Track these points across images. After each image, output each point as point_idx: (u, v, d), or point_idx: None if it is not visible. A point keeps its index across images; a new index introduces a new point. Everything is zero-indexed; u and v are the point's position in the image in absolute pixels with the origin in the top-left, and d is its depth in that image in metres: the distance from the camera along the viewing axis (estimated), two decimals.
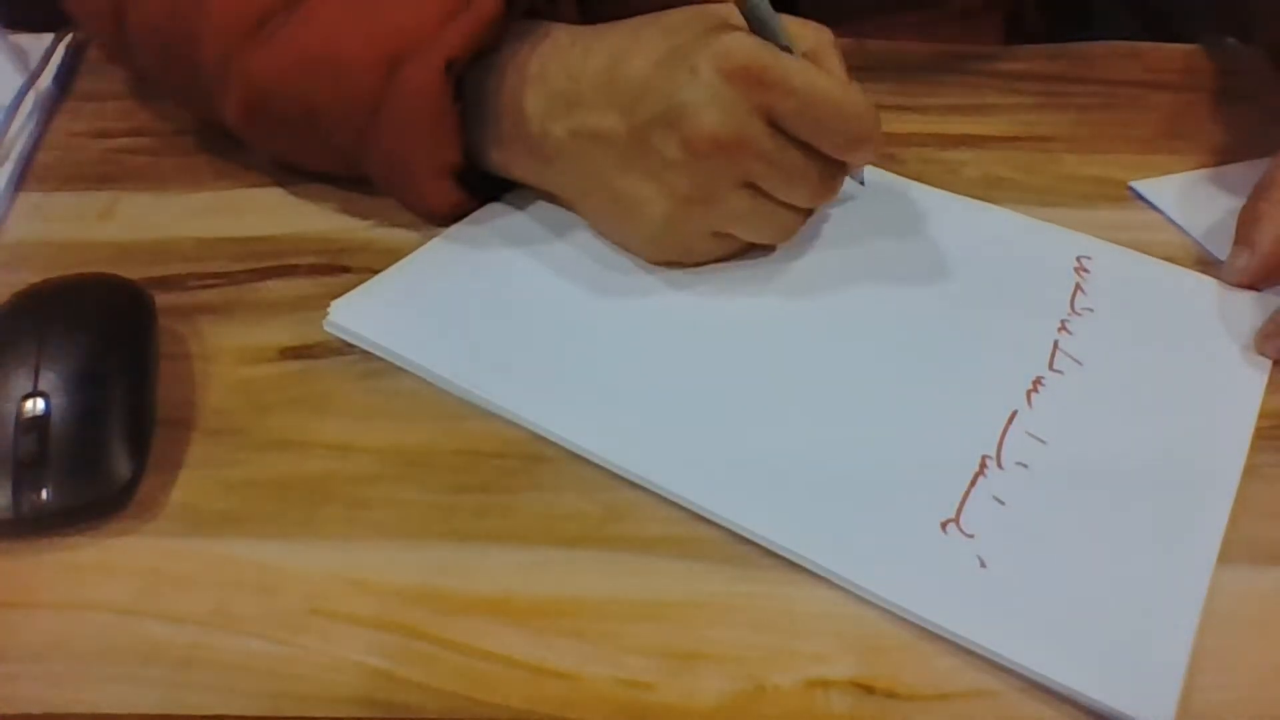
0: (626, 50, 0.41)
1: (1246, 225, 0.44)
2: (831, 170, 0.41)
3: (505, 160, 0.45)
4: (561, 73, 0.42)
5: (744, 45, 0.38)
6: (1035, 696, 0.31)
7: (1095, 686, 0.31)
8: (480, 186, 0.46)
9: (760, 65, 0.38)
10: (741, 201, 0.41)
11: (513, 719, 0.31)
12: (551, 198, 0.47)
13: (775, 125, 0.39)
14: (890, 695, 0.32)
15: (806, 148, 0.40)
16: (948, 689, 0.32)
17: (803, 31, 0.41)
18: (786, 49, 0.39)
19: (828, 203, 0.44)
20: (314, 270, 0.45)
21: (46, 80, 0.55)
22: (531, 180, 0.46)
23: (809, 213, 0.44)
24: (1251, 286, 0.44)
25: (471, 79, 0.43)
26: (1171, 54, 0.58)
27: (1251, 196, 0.44)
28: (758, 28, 0.40)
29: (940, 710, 0.31)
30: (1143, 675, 0.31)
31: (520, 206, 0.47)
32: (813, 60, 0.40)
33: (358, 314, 0.42)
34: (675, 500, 0.36)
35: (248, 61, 0.43)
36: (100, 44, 0.56)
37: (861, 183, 0.46)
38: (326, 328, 0.42)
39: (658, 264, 0.44)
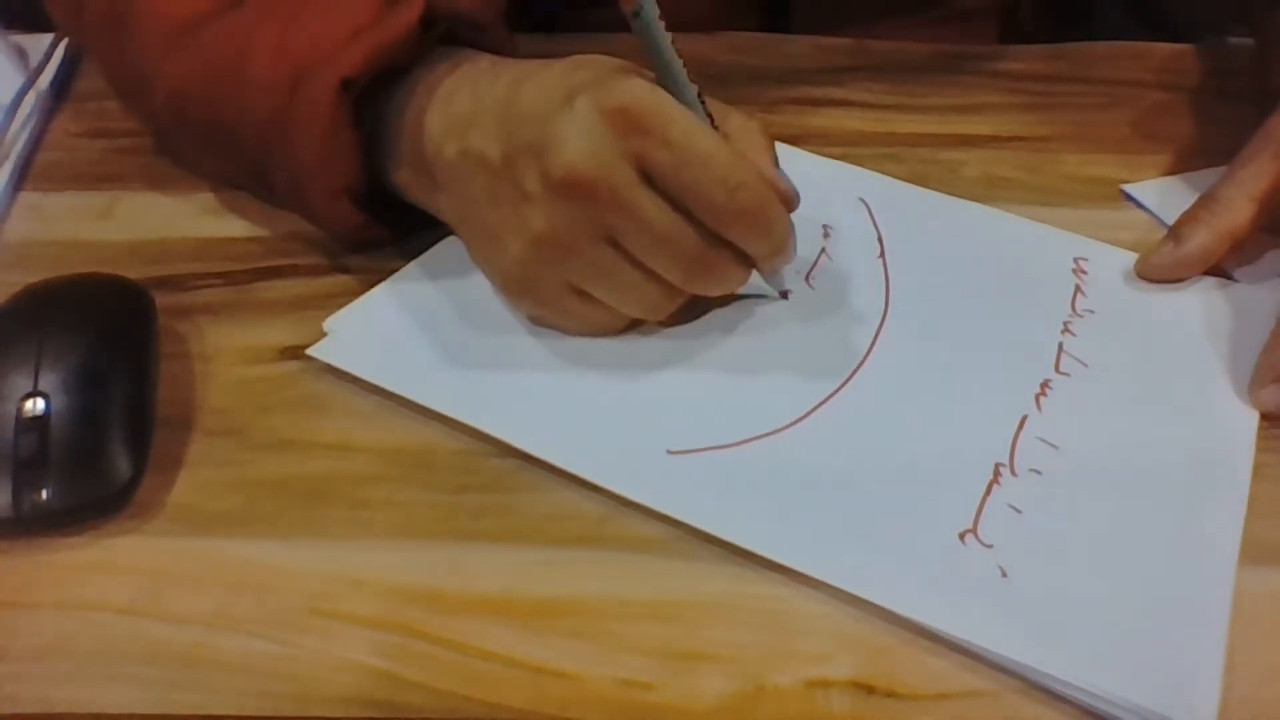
0: (528, 77, 0.38)
1: (1181, 225, 0.44)
2: (712, 249, 0.37)
3: (404, 182, 0.42)
4: (469, 96, 0.39)
5: (635, 87, 0.35)
6: (1035, 697, 0.32)
7: (1135, 693, 0.30)
8: (391, 211, 0.43)
9: (641, 108, 0.35)
10: (601, 257, 0.37)
11: (513, 719, 0.31)
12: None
13: (651, 181, 0.36)
14: (890, 695, 0.32)
15: (686, 215, 0.36)
16: (948, 689, 0.32)
17: (730, 115, 0.38)
18: (708, 115, 0.36)
19: (709, 292, 0.39)
20: (314, 270, 0.45)
21: (46, 80, 0.55)
22: (426, 204, 0.43)
23: (683, 295, 0.39)
24: (1162, 279, 0.44)
25: (381, 99, 0.41)
26: (1171, 54, 0.58)
27: (1194, 204, 0.44)
28: (665, 80, 0.36)
29: (940, 710, 0.31)
30: (1181, 678, 0.31)
31: None
32: (733, 143, 0.36)
33: (341, 349, 0.40)
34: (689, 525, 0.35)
35: (169, 64, 0.43)
36: (68, 33, 0.56)
37: (783, 295, 0.42)
38: (311, 353, 0.41)
39: (525, 314, 0.41)
